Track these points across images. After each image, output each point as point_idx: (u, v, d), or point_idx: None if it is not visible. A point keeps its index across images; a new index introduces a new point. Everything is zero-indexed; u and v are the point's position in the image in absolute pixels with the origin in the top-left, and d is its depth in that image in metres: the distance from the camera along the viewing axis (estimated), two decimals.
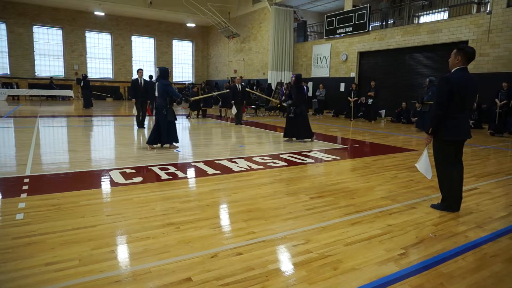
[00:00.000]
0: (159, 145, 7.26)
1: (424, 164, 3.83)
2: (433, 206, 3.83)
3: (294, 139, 8.44)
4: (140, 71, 10.15)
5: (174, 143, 7.34)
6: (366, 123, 13.75)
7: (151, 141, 7.11)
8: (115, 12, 24.63)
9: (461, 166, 3.74)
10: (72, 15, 24.41)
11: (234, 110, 11.96)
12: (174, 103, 7.45)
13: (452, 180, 3.64)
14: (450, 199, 3.70)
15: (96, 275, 2.34)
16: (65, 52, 24.84)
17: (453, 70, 3.61)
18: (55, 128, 10.54)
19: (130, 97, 13.94)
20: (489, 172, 5.71)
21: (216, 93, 13.65)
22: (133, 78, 10.67)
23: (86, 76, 17.76)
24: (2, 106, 17.64)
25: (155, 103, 7.32)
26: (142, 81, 10.13)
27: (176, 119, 7.29)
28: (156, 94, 7.04)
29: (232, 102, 11.94)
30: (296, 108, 8.19)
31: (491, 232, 3.24)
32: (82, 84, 17.30)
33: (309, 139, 8.48)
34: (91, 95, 17.84)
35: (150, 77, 13.88)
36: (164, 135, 7.07)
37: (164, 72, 7.06)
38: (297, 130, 8.30)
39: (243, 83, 12.83)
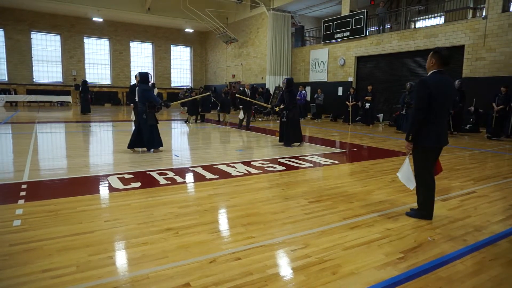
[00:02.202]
0: (145, 149, 7.30)
1: (406, 173, 3.65)
2: (408, 214, 3.71)
3: (296, 144, 8.46)
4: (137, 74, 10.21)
5: (159, 148, 7.37)
6: (364, 127, 13.79)
7: (131, 144, 7.19)
8: (114, 18, 24.71)
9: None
10: (71, 21, 24.46)
11: (241, 115, 12.07)
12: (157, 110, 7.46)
13: (429, 189, 3.55)
14: (426, 207, 3.60)
15: (94, 281, 2.32)
16: (63, 58, 24.86)
17: (429, 73, 3.51)
18: (53, 134, 10.52)
19: (128, 102, 13.97)
20: (487, 175, 5.72)
21: (199, 96, 13.65)
22: (131, 84, 10.72)
23: (85, 81, 17.80)
24: (0, 112, 17.61)
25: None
26: None
27: (158, 123, 7.35)
28: (137, 98, 7.15)
29: (241, 107, 12.08)
30: (289, 113, 8.21)
31: (490, 235, 3.24)
32: (80, 89, 17.33)
33: (298, 144, 8.47)
34: (90, 100, 17.88)
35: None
36: (146, 140, 7.12)
37: (144, 77, 7.18)
38: (287, 134, 8.28)
39: (241, 88, 12.89)
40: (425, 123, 3.40)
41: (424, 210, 3.61)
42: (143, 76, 7.16)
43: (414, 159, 3.61)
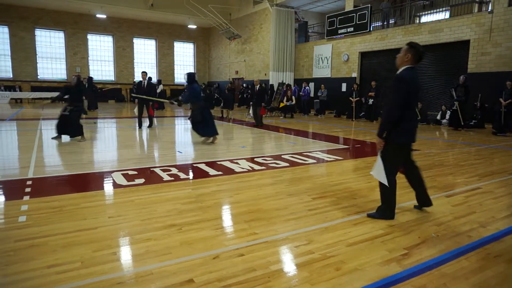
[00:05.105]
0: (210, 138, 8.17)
1: (381, 170, 3.42)
2: (369, 215, 3.55)
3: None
4: (144, 73, 10.53)
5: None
6: (367, 123, 13.73)
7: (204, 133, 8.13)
8: (117, 14, 24.69)
9: (417, 167, 3.62)
10: (74, 18, 24.49)
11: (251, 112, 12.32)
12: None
13: (394, 188, 3.45)
14: (389, 207, 3.49)
15: (98, 277, 2.34)
16: (67, 55, 24.92)
17: (402, 69, 3.36)
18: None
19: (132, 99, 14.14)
20: (492, 171, 5.68)
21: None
22: (137, 80, 11.11)
23: (91, 78, 17.90)
24: (5, 109, 17.72)
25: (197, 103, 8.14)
26: (145, 83, 10.41)
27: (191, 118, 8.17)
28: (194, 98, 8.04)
29: (251, 103, 12.24)
30: (71, 106, 8.05)
31: (495, 232, 3.22)
32: (86, 86, 17.41)
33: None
34: (97, 97, 17.99)
35: (150, 78, 14.02)
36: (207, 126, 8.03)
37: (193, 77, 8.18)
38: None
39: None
40: (401, 120, 3.29)
41: (388, 210, 3.49)
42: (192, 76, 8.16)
43: (385, 157, 3.41)
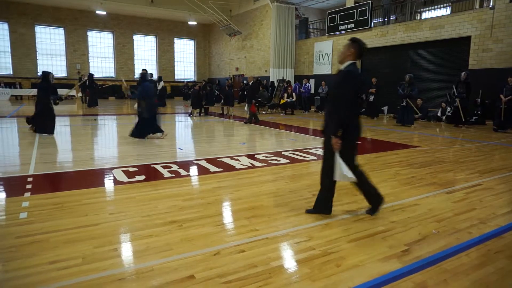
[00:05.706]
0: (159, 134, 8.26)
1: (344, 169, 3.19)
2: (367, 212, 3.51)
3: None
4: (144, 71, 10.59)
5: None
6: (368, 119, 13.70)
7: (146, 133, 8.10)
8: (117, 11, 24.62)
9: None
10: (74, 14, 24.42)
11: (246, 108, 12.31)
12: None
13: (367, 177, 3.39)
14: (376, 197, 3.45)
15: (99, 273, 2.35)
16: (67, 52, 24.87)
17: (347, 64, 3.26)
18: (58, 127, 10.55)
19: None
20: (493, 168, 5.68)
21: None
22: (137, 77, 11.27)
23: (92, 75, 17.88)
24: (5, 106, 17.71)
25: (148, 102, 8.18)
26: None
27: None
28: (146, 94, 8.04)
29: (246, 100, 12.30)
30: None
31: (495, 228, 3.22)
32: (87, 83, 17.40)
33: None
34: (97, 94, 17.98)
35: (151, 75, 14.04)
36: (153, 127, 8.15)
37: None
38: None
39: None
40: (353, 115, 3.24)
41: (376, 201, 3.46)
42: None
43: (343, 155, 3.24)
